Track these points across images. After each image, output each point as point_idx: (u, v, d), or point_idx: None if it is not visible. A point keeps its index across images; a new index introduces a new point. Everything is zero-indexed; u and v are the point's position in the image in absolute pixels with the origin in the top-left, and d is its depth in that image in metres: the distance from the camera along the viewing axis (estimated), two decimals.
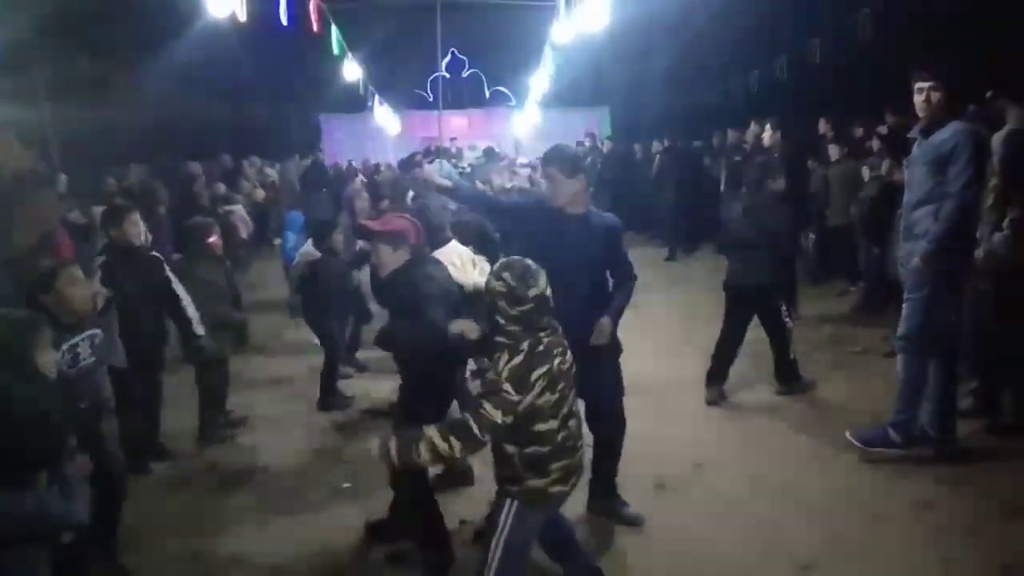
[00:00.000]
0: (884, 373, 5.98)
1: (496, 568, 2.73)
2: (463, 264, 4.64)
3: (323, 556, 3.75)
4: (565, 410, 2.68)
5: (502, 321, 2.64)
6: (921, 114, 4.16)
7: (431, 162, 11.95)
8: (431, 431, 2.57)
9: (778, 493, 4.16)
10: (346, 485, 4.48)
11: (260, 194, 12.81)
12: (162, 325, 4.80)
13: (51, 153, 11.91)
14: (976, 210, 4.21)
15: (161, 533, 3.99)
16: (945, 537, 3.64)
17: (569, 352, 2.75)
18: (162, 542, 3.91)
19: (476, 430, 2.54)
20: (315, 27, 9.96)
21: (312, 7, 9.72)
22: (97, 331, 3.57)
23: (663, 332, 7.47)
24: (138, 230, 4.71)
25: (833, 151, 8.84)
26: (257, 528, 4.06)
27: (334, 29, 11.77)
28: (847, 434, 4.54)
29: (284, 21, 8.72)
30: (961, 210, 4.01)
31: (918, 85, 4.13)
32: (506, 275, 2.64)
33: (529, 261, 2.72)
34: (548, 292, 2.67)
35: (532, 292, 2.62)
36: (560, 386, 2.64)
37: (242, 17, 8.32)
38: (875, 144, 8.27)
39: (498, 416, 2.54)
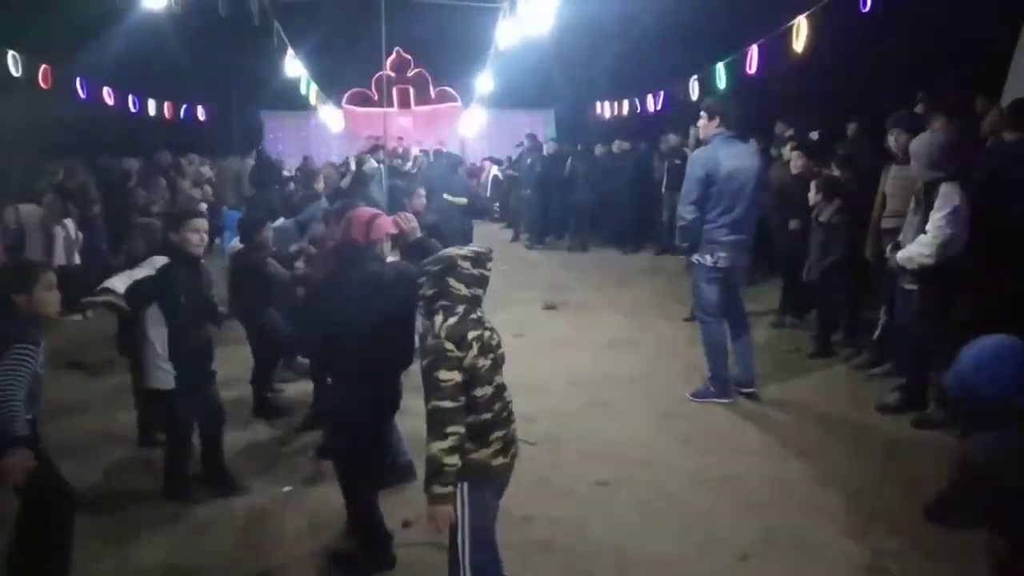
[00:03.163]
0: (817, 371, 6.19)
1: (470, 559, 2.72)
2: None
3: (262, 560, 3.68)
4: (499, 380, 2.77)
5: (454, 283, 2.74)
6: None
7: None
8: (430, 448, 2.58)
9: (717, 487, 4.25)
10: (287, 489, 4.40)
11: (208, 192, 12.43)
12: (211, 339, 4.48)
13: None
14: (691, 211, 5.26)
15: (93, 542, 3.81)
16: (877, 526, 3.77)
17: (498, 335, 2.83)
18: (95, 552, 3.74)
19: (447, 404, 2.59)
20: (256, 20, 9.80)
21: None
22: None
23: (606, 331, 7.55)
24: (201, 238, 4.25)
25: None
26: (192, 533, 3.95)
27: (276, 24, 11.59)
28: (686, 394, 5.61)
29: (221, 12, 8.56)
30: (682, 210, 5.34)
31: None
32: (473, 246, 2.89)
33: None
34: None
35: (489, 265, 2.87)
36: (491, 355, 2.74)
37: (177, 7, 8.14)
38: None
39: (455, 375, 2.62)
